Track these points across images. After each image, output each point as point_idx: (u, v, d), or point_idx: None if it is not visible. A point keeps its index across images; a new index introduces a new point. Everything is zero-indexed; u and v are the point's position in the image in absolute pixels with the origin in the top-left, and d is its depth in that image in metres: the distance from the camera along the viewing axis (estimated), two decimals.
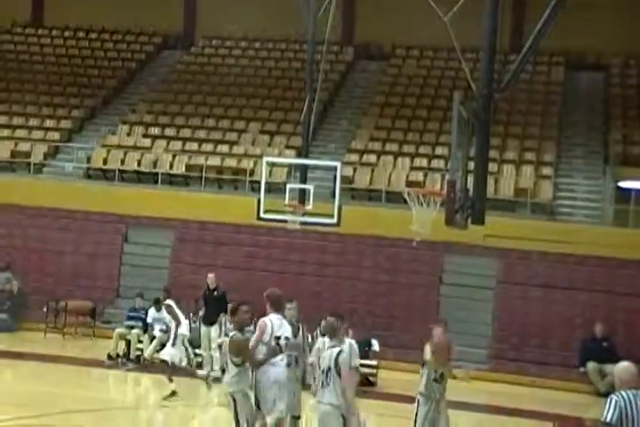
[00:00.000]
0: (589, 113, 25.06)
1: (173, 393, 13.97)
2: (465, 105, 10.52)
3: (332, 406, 8.92)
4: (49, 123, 25.17)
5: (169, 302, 14.87)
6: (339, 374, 8.89)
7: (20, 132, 24.70)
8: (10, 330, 19.16)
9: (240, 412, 9.45)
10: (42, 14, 30.35)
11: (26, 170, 23.35)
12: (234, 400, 9.49)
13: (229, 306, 10.28)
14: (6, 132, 24.64)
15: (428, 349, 10.56)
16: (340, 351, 9.01)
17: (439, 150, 23.03)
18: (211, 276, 16.74)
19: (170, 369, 14.10)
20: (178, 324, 14.42)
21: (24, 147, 23.98)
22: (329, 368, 8.93)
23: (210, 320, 16.49)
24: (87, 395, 14.63)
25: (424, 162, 22.90)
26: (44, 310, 19.01)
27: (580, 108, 25.22)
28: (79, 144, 24.38)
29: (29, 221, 21.18)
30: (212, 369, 16.14)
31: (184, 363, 14.60)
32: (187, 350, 15.08)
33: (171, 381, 14.02)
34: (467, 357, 18.51)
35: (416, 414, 10.46)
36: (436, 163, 22.65)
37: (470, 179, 10.91)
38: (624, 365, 7.20)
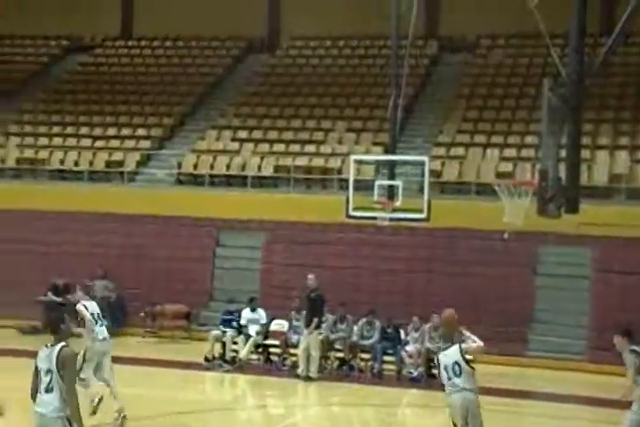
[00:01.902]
0: None
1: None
2: (555, 92, 10.28)
3: (471, 392, 9.18)
4: (140, 132, 25.70)
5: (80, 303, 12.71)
6: (467, 363, 9.26)
7: (114, 143, 25.29)
8: (111, 335, 19.50)
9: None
10: (131, 27, 31.03)
11: (120, 179, 23.89)
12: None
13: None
14: (100, 143, 25.27)
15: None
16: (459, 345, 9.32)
17: (529, 139, 22.56)
18: (310, 277, 16.60)
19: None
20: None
21: (117, 156, 24.55)
22: (456, 362, 9.25)
23: (307, 321, 16.41)
24: (186, 397, 14.89)
25: (513, 152, 22.48)
26: (142, 315, 19.39)
27: None
28: (170, 151, 24.83)
29: (124, 228, 21.62)
30: (307, 370, 16.17)
31: None
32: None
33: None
34: (566, 348, 18.13)
35: None
36: (525, 152, 22.20)
37: (562, 167, 10.66)
38: None
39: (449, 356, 9.32)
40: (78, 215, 21.81)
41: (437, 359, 9.53)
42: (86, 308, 12.38)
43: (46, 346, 7.07)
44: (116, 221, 21.68)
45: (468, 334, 9.55)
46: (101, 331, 12.42)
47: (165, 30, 29.56)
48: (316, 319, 16.15)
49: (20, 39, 30.79)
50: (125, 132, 25.69)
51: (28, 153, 25.08)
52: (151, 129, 25.76)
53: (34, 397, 7.08)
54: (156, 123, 26.00)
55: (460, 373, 9.19)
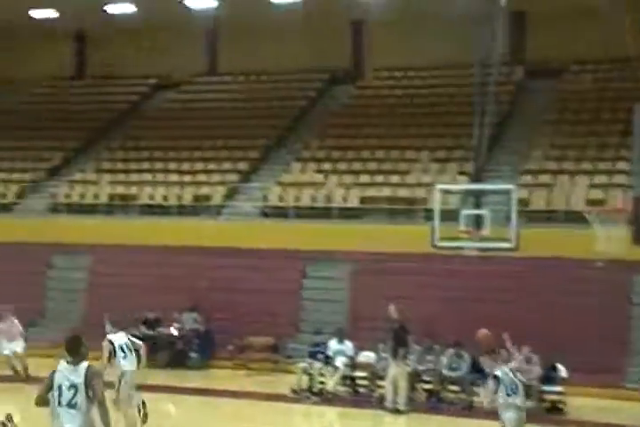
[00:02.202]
0: None
1: None
2: None
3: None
4: (227, 165, 26.06)
5: None
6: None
7: (201, 177, 25.69)
8: (199, 368, 19.77)
9: None
10: (216, 63, 31.63)
11: (207, 212, 24.21)
12: None
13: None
14: (188, 178, 25.71)
15: None
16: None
17: (620, 165, 22.06)
18: (391, 307, 16.48)
19: None
20: None
21: (205, 190, 24.92)
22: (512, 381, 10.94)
23: (393, 352, 16.24)
24: None
25: (603, 179, 22.01)
26: (230, 347, 19.50)
27: None
28: (256, 184, 25.08)
29: (212, 261, 21.84)
30: (395, 402, 15.96)
31: None
32: None
33: None
34: None
35: None
36: (617, 179, 21.69)
37: None
38: None
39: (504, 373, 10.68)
40: (167, 249, 22.15)
41: (496, 376, 10.77)
42: (112, 342, 12.78)
43: (67, 362, 7.30)
44: (204, 254, 21.92)
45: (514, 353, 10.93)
46: (128, 362, 12.77)
47: (249, 65, 30.00)
48: (401, 350, 15.96)
49: (110, 79, 31.67)
50: (212, 166, 26.09)
51: (120, 189, 25.68)
52: (237, 163, 26.09)
53: (40, 404, 7.35)
54: (241, 156, 26.34)
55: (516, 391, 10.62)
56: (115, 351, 12.70)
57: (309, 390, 17.13)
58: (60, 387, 7.15)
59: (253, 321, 20.13)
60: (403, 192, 23.09)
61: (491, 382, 11.05)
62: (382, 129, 26.11)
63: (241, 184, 25.27)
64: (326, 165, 25.09)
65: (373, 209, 22.69)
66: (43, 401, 7.37)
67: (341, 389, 17.25)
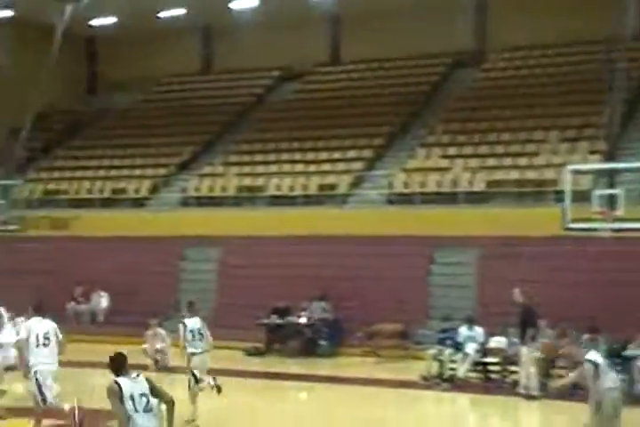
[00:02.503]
0: None
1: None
2: None
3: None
4: (351, 154, 26.03)
5: None
6: None
7: (326, 166, 25.76)
8: (329, 355, 19.84)
9: None
10: (339, 52, 31.65)
11: (333, 201, 24.25)
12: None
13: None
14: (313, 168, 25.82)
15: None
16: None
17: None
18: (516, 291, 16.15)
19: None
20: None
21: (330, 179, 24.98)
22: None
23: (521, 337, 15.89)
24: (406, 416, 14.71)
25: None
26: (359, 334, 19.48)
27: None
28: (381, 171, 24.96)
29: (339, 249, 21.87)
30: (529, 387, 15.58)
31: None
32: None
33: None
34: None
35: None
36: None
37: None
38: None
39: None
40: (294, 239, 22.33)
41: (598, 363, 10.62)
42: (185, 325, 13.31)
43: (128, 378, 8.04)
44: (331, 242, 21.97)
45: None
46: (197, 346, 13.26)
47: (372, 53, 29.85)
48: (529, 334, 15.55)
49: (235, 73, 32.14)
50: (337, 155, 26.11)
51: (247, 181, 26.04)
52: (362, 151, 26.03)
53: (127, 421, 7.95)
54: (366, 144, 26.26)
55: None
56: (185, 334, 13.27)
57: (440, 376, 16.88)
58: (132, 397, 7.89)
59: (382, 308, 20.03)
60: (531, 174, 22.51)
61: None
62: (508, 111, 25.53)
63: (366, 172, 25.19)
64: (451, 150, 24.73)
65: (500, 192, 22.21)
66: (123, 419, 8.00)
67: (472, 375, 16.95)
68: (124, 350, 8.38)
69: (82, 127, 32.06)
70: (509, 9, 27.38)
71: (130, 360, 8.10)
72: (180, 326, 13.39)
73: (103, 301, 23.34)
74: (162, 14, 29.39)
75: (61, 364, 12.04)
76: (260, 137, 28.43)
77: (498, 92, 26.58)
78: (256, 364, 19.35)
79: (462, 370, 16.75)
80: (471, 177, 23.07)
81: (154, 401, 8.03)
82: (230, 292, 22.33)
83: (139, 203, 26.97)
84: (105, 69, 34.14)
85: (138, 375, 8.09)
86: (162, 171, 28.03)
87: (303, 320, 20.24)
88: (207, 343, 13.42)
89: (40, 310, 12.30)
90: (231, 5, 28.32)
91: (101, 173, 28.48)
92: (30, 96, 26.30)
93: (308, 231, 22.26)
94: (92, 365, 15.34)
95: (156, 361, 18.21)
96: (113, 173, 28.28)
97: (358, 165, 25.47)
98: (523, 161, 23.24)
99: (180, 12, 29.28)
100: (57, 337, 11.94)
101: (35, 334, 11.79)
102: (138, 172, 28.13)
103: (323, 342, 20.15)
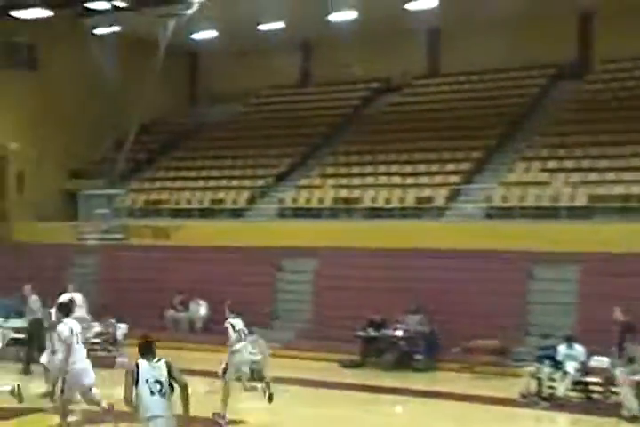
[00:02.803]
0: None
1: None
2: None
3: None
4: (449, 167, 25.84)
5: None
6: None
7: (423, 179, 25.62)
8: (425, 370, 19.68)
9: None
10: (438, 65, 31.51)
11: (430, 214, 24.11)
12: None
13: None
14: (410, 180, 25.71)
15: None
16: None
17: None
18: (616, 309, 15.74)
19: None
20: None
21: (427, 192, 24.84)
22: None
23: (619, 357, 15.50)
24: None
25: None
26: (455, 350, 19.27)
27: None
28: (479, 185, 24.70)
29: (436, 263, 21.69)
30: (630, 409, 15.14)
31: None
32: None
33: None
34: None
35: None
36: None
37: None
38: None
39: None
40: (390, 251, 22.24)
41: None
42: (233, 325, 14.33)
43: (148, 362, 8.81)
44: (428, 256, 21.82)
45: None
46: (241, 345, 14.32)
47: (471, 64, 29.60)
48: (627, 353, 15.14)
49: (333, 85, 32.29)
50: (434, 168, 25.95)
51: (343, 193, 26.09)
52: (460, 163, 25.81)
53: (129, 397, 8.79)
54: (464, 157, 26.03)
55: None
56: (232, 333, 14.27)
57: (538, 394, 16.57)
58: (147, 381, 8.60)
59: (480, 324, 19.74)
60: (636, 189, 21.92)
61: None
62: (612, 124, 24.94)
63: (464, 185, 24.96)
64: (551, 164, 24.29)
65: (603, 207, 21.70)
66: (130, 395, 8.83)
67: (572, 394, 16.57)
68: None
69: (183, 139, 32.70)
70: (615, 19, 26.78)
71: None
72: (229, 326, 14.35)
73: (202, 309, 23.70)
74: (261, 27, 29.77)
75: None
76: (356, 149, 28.47)
77: (601, 105, 26.02)
78: (351, 376, 19.32)
79: (562, 389, 16.38)
80: (572, 191, 22.62)
81: (168, 387, 8.70)
82: (325, 303, 22.39)
83: (237, 213, 27.31)
84: (206, 82, 34.77)
85: (159, 360, 8.77)
86: (259, 182, 28.33)
87: (399, 333, 20.14)
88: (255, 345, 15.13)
89: (70, 313, 13.45)
90: (330, 18, 28.47)
91: (201, 183, 28.96)
92: (134, 109, 26.98)
93: (405, 244, 22.14)
94: (191, 372, 15.53)
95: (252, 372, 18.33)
96: (212, 183, 28.73)
97: (456, 179, 25.26)
98: (628, 175, 22.66)
99: (279, 25, 29.60)
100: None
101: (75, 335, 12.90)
102: (236, 183, 28.50)
103: (419, 356, 19.99)
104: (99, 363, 14.46)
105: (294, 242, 23.71)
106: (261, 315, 21.78)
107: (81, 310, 19.58)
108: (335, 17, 28.49)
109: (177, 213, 27.81)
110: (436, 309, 20.21)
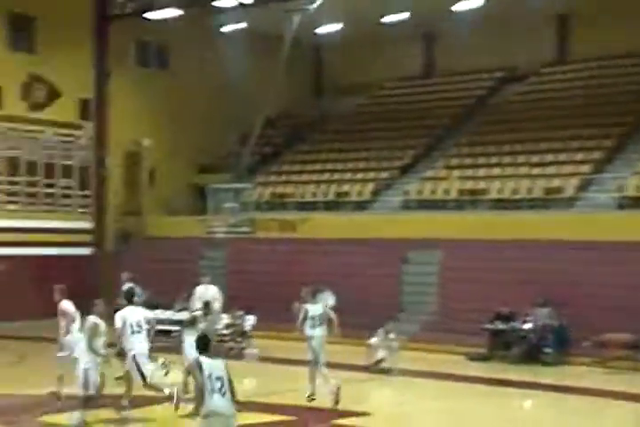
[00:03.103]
0: None
1: None
2: None
3: None
4: (579, 156, 25.15)
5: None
6: None
7: (551, 169, 25.04)
8: (554, 364, 19.26)
9: None
10: (566, 52, 30.68)
11: (559, 205, 23.55)
12: None
13: None
14: (538, 170, 25.17)
15: None
16: None
17: None
18: None
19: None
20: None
21: (556, 182, 24.27)
22: None
23: None
24: None
25: None
26: (586, 344, 18.77)
27: None
28: (611, 174, 23.96)
29: (565, 255, 21.18)
30: None
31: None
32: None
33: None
34: None
35: None
36: None
37: None
38: None
39: None
40: (518, 243, 21.85)
41: None
42: (307, 311, 14.63)
43: (206, 357, 8.77)
44: (556, 247, 21.32)
45: None
46: (314, 330, 14.57)
47: (602, 50, 28.62)
48: None
49: (457, 75, 31.91)
50: (563, 157, 25.31)
51: (469, 184, 25.77)
52: (591, 152, 25.09)
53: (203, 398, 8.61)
54: (595, 146, 25.29)
55: None
56: (305, 318, 14.55)
57: None
58: (210, 375, 8.59)
59: (609, 317, 19.15)
60: None
61: None
62: None
63: (595, 175, 24.25)
64: None
65: None
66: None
67: None
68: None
69: (308, 132, 32.97)
70: None
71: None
72: (303, 310, 14.61)
73: (330, 300, 23.77)
74: (385, 19, 29.67)
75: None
76: (481, 140, 28.07)
77: None
78: (478, 369, 19.11)
79: None
80: None
81: (227, 384, 8.63)
82: (451, 295, 22.19)
83: (361, 206, 27.36)
84: (330, 75, 34.92)
85: (217, 358, 8.77)
86: (384, 174, 28.29)
87: (528, 326, 19.76)
88: (329, 329, 14.68)
89: (132, 301, 13.57)
90: (454, 8, 28.13)
91: (326, 176, 29.14)
92: (260, 103, 27.37)
93: (533, 235, 21.72)
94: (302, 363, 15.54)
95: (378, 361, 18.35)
96: (336, 176, 28.87)
97: (586, 168, 24.57)
98: None
99: (404, 16, 29.44)
100: (148, 324, 13.25)
101: (129, 322, 13.10)
102: (360, 175, 28.55)
103: (548, 350, 19.56)
104: (227, 354, 14.77)
105: (419, 234, 23.59)
106: (387, 307, 21.79)
107: (217, 303, 19.73)
108: (459, 6, 28.13)
109: (302, 206, 28.06)
110: (564, 301, 19.71)
